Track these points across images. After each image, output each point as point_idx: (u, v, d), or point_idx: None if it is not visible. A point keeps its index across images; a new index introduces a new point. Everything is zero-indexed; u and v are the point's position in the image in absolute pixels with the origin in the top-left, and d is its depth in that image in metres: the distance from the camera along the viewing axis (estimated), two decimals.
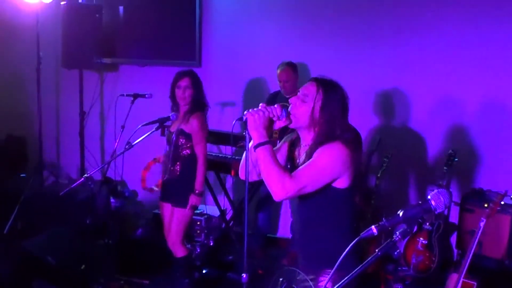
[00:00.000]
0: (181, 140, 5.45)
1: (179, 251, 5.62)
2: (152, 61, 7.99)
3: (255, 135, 3.12)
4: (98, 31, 7.80)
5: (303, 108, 3.20)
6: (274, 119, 3.20)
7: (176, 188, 5.55)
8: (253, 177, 3.38)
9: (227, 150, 7.04)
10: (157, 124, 5.32)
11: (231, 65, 7.59)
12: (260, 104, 3.21)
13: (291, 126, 3.29)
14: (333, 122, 3.19)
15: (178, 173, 5.52)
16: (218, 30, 7.67)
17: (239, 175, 3.44)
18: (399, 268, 6.36)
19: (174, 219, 5.55)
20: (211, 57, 7.70)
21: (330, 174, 3.13)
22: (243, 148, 3.28)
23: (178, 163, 5.49)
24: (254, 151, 3.13)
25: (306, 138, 3.29)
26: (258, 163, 3.14)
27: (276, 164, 3.09)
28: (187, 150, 5.47)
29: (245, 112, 3.16)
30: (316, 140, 3.19)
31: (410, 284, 6.21)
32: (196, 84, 5.55)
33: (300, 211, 3.31)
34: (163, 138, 5.91)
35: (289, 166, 3.38)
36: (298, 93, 3.26)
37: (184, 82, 5.50)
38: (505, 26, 6.25)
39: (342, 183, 3.18)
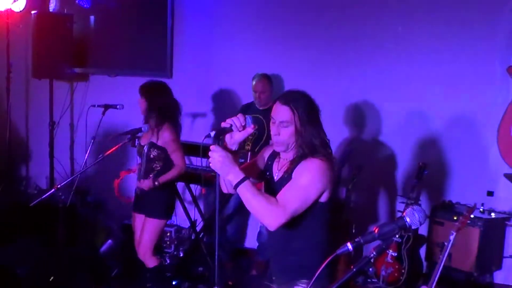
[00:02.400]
0: (153, 153, 5.43)
1: (150, 261, 5.59)
2: (123, 72, 7.95)
3: (230, 176, 3.09)
4: (69, 41, 7.76)
5: (287, 132, 3.23)
6: (240, 129, 3.19)
7: (149, 200, 5.52)
8: (229, 190, 3.39)
9: (197, 161, 7.03)
10: (129, 136, 5.30)
11: (202, 76, 7.59)
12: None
13: (281, 150, 3.32)
14: (315, 132, 3.24)
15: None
16: (189, 41, 7.67)
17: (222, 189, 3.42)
18: (369, 280, 6.39)
19: (146, 230, 5.52)
20: (182, 68, 7.70)
21: (317, 191, 3.16)
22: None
23: (150, 175, 5.47)
24: (235, 190, 3.12)
25: (288, 153, 3.31)
26: (242, 200, 3.12)
27: (261, 198, 3.08)
28: (160, 163, 5.45)
29: (209, 158, 3.12)
30: (298, 153, 3.24)
31: None
32: (149, 96, 5.49)
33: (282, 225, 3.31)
34: (133, 149, 5.89)
35: (267, 175, 3.40)
36: (275, 122, 3.28)
37: (139, 96, 5.50)
38: (472, 43, 6.33)
39: (324, 197, 3.22)
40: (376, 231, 2.36)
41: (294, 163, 3.23)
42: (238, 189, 3.07)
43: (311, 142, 3.22)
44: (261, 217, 3.09)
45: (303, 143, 3.22)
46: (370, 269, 2.29)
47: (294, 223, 3.19)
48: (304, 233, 3.27)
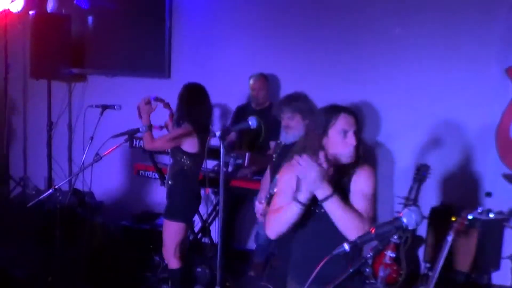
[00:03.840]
0: (182, 155, 5.46)
1: (171, 263, 5.63)
2: (121, 72, 7.94)
3: (319, 191, 3.06)
4: (67, 41, 7.77)
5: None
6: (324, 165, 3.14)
7: (170, 202, 5.58)
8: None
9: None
10: (126, 136, 5.29)
11: (200, 76, 7.53)
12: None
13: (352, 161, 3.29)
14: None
15: (171, 185, 5.55)
16: (187, 42, 7.66)
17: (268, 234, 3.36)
18: (367, 281, 6.38)
19: (164, 231, 5.60)
20: (180, 69, 7.69)
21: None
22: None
23: (173, 175, 5.51)
24: (321, 204, 3.09)
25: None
26: (330, 214, 3.08)
27: (351, 212, 3.07)
28: (180, 166, 5.47)
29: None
30: (352, 160, 3.25)
31: None
32: (179, 100, 5.51)
33: (330, 233, 3.20)
34: (132, 149, 5.89)
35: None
36: (347, 132, 3.26)
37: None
38: (470, 45, 6.33)
39: None
40: (372, 231, 2.36)
41: (346, 171, 3.25)
42: (326, 203, 3.04)
43: (365, 148, 3.29)
44: (349, 230, 3.01)
45: (363, 150, 3.28)
46: (367, 269, 2.29)
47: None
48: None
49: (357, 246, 2.33)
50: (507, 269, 6.06)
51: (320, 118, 3.31)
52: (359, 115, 3.37)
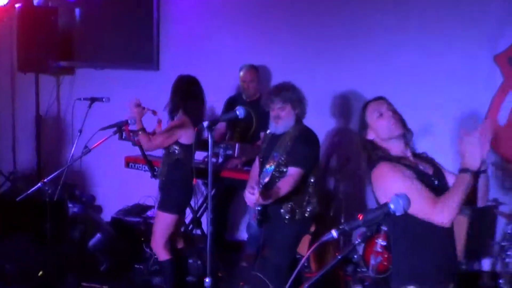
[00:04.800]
0: (174, 147, 5.46)
1: (160, 254, 5.62)
2: (110, 65, 7.90)
3: (477, 156, 3.05)
4: (54, 34, 7.72)
5: None
6: None
7: (163, 193, 5.60)
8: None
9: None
10: (115, 129, 5.27)
11: (190, 68, 7.52)
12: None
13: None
14: None
15: (164, 177, 5.56)
16: (176, 33, 7.62)
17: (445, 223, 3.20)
18: (358, 269, 6.40)
19: (155, 222, 5.64)
20: (169, 61, 7.66)
21: None
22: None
23: (166, 167, 5.51)
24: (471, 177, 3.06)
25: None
26: (464, 188, 3.06)
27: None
28: (172, 157, 5.48)
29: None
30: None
31: (370, 285, 6.24)
32: (173, 91, 5.53)
33: None
34: (121, 142, 5.87)
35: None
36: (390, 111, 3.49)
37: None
38: (460, 32, 6.34)
39: None
40: (360, 218, 2.36)
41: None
42: (463, 175, 3.04)
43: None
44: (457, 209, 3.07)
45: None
46: (355, 256, 2.29)
47: None
48: None
49: (345, 232, 2.32)
50: (497, 256, 6.09)
51: (359, 121, 3.57)
52: (384, 97, 3.63)
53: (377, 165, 3.30)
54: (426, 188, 3.12)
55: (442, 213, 3.02)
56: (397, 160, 3.33)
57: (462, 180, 3.02)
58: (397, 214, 2.37)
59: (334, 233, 2.33)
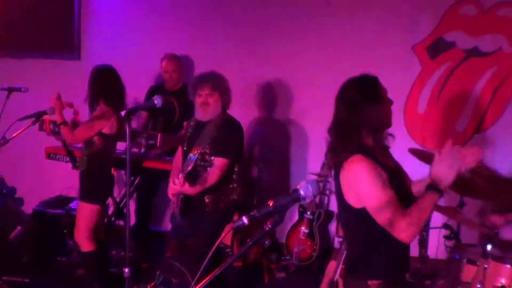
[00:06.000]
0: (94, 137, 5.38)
1: (83, 245, 5.55)
2: (29, 54, 7.70)
3: (447, 181, 2.95)
4: None
5: None
6: None
7: (83, 183, 5.52)
8: None
9: None
10: (34, 119, 5.18)
11: (112, 58, 7.42)
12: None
13: None
14: None
15: (84, 168, 5.48)
16: (98, 22, 7.52)
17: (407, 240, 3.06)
18: (282, 257, 6.48)
19: (77, 212, 5.57)
20: (91, 50, 7.53)
21: None
22: None
23: (86, 157, 5.44)
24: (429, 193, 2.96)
25: None
26: (428, 206, 2.96)
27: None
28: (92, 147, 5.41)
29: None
30: None
31: (293, 273, 6.34)
32: (90, 83, 5.47)
33: None
34: (41, 133, 5.79)
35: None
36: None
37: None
38: (377, 23, 6.47)
39: None
40: (271, 204, 2.38)
41: None
42: (432, 194, 2.94)
43: None
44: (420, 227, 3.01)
45: None
46: (266, 242, 2.31)
47: None
48: None
49: (256, 219, 2.34)
50: (439, 242, 6.16)
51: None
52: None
53: (353, 156, 3.11)
54: (395, 195, 3.00)
55: (406, 230, 2.91)
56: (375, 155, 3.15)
57: (431, 199, 2.95)
58: (307, 200, 2.40)
59: (245, 219, 2.35)
